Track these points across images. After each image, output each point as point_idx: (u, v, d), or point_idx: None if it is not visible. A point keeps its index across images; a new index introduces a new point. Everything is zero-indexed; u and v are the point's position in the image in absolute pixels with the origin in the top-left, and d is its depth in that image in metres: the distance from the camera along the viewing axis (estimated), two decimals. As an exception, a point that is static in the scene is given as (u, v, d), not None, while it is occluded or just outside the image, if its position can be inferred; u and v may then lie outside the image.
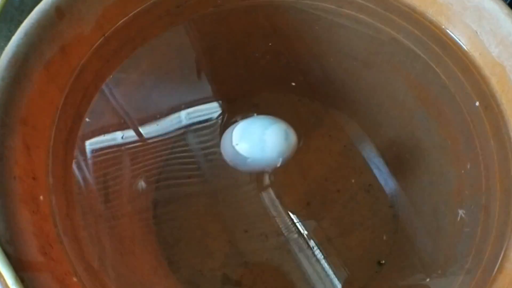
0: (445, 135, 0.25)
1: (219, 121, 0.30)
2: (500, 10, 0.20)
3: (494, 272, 0.18)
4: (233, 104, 0.31)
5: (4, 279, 0.15)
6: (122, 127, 0.25)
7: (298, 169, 0.31)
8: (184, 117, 0.30)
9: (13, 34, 0.18)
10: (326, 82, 0.30)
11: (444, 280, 0.22)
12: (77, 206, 0.20)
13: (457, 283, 0.20)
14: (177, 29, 0.24)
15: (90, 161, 0.22)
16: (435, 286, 0.23)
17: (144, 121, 0.27)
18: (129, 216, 0.25)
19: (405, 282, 0.26)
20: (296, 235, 0.29)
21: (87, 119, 0.21)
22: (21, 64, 0.18)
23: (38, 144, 0.19)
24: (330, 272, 0.28)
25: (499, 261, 0.18)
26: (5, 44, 0.18)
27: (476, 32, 0.21)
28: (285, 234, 0.29)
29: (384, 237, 0.29)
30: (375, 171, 0.31)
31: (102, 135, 0.24)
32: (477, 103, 0.21)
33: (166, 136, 0.29)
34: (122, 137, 0.25)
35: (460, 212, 0.22)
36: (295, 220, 0.29)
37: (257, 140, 0.22)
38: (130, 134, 0.26)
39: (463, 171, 0.23)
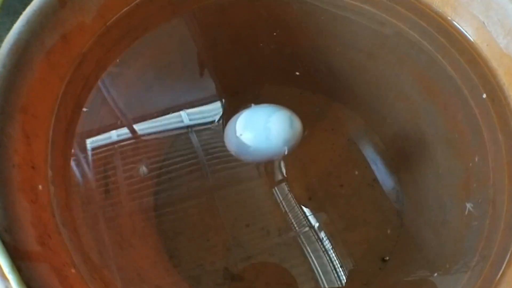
0: (452, 128, 0.24)
1: (221, 114, 0.30)
2: (508, 1, 0.19)
3: (503, 267, 0.18)
4: (235, 97, 0.31)
5: (1, 268, 0.15)
6: (123, 118, 0.25)
7: (300, 163, 0.30)
8: (185, 109, 0.29)
9: (16, 27, 0.18)
10: (330, 75, 0.30)
11: (450, 276, 0.22)
12: (77, 197, 0.20)
13: (464, 279, 0.20)
14: (179, 20, 0.24)
15: (89, 152, 0.22)
16: (442, 283, 0.22)
17: (145, 113, 0.27)
18: (130, 208, 0.25)
19: (409, 278, 0.26)
20: (298, 230, 0.29)
21: (84, 109, 0.20)
22: (22, 51, 0.18)
23: (38, 133, 0.18)
24: (333, 267, 0.27)
25: (508, 255, 0.18)
26: (9, 38, 0.18)
27: (484, 23, 0.20)
28: (287, 229, 0.29)
29: (388, 232, 0.28)
30: (379, 166, 0.30)
31: (103, 126, 0.23)
32: (484, 95, 0.21)
33: (167, 128, 0.28)
34: (123, 129, 0.25)
35: (468, 205, 0.21)
36: (297, 215, 0.29)
37: (262, 129, 0.21)
38: (131, 126, 0.26)
39: (470, 164, 0.22)
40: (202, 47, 0.28)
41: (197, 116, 0.30)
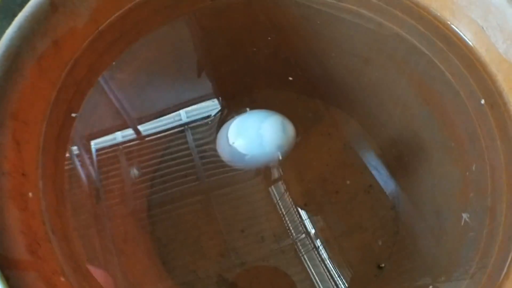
0: (449, 134, 0.24)
1: (216, 119, 0.30)
2: (507, 5, 0.19)
3: (501, 278, 0.17)
4: (230, 101, 0.30)
5: (-13, 278, 0.14)
6: (115, 123, 0.25)
7: (296, 168, 0.30)
8: (180, 114, 0.29)
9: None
10: (326, 79, 0.30)
11: (447, 286, 0.21)
12: (68, 204, 0.20)
13: (460, 289, 0.19)
14: (173, 24, 0.24)
15: (81, 158, 0.22)
16: (437, 291, 0.22)
17: (138, 118, 0.27)
18: (122, 215, 0.25)
19: (404, 286, 0.25)
20: (293, 237, 0.28)
21: (73, 115, 0.20)
22: (14, 58, 0.18)
23: (29, 140, 0.18)
24: (328, 274, 0.27)
25: (506, 266, 0.17)
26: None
27: (482, 27, 0.20)
28: (282, 235, 0.28)
29: (384, 240, 0.28)
30: (376, 172, 0.30)
31: (95, 132, 0.23)
32: (483, 101, 0.21)
33: (161, 134, 0.28)
34: (115, 134, 0.25)
35: (464, 216, 0.21)
36: (293, 221, 0.29)
37: (254, 136, 0.21)
38: (124, 131, 0.26)
39: (467, 172, 0.22)
40: (197, 51, 0.28)
41: (191, 121, 0.30)
